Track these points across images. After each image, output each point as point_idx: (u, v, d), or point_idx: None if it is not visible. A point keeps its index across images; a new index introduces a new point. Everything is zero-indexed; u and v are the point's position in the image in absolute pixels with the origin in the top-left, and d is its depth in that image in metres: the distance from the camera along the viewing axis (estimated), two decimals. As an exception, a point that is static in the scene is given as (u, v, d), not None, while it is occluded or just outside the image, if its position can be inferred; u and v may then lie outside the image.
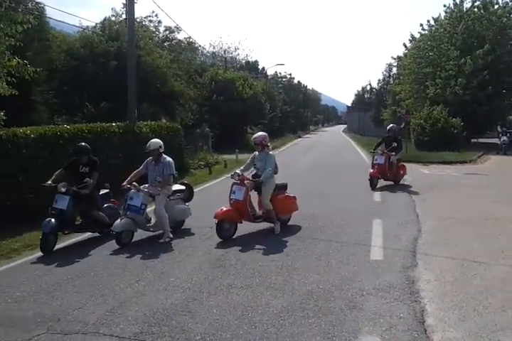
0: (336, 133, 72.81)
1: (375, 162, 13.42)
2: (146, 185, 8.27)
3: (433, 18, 33.54)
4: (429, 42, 32.23)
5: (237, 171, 8.30)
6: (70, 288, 5.90)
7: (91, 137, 12.26)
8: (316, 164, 21.29)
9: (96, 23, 24.16)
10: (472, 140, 31.32)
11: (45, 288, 5.88)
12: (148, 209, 8.25)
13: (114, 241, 7.74)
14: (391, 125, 14.66)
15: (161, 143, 8.51)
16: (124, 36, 20.36)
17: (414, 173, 17.19)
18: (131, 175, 8.33)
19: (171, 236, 8.05)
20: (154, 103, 20.43)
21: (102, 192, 8.42)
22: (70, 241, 8.30)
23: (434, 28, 33.10)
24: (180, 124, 20.79)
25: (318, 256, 6.92)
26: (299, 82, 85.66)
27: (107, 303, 5.33)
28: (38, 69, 10.72)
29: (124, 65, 16.42)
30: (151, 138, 9.25)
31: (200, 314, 4.97)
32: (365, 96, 78.52)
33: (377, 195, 12.20)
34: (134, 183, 8.06)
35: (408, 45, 35.72)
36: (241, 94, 35.48)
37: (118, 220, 7.87)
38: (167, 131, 16.95)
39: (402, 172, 14.04)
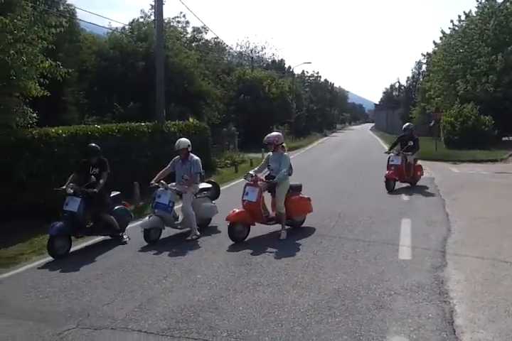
0: (363, 132, 72.07)
1: (390, 163, 12.75)
2: (174, 184, 8.35)
3: (464, 13, 32.85)
4: (459, 39, 31.57)
5: (251, 172, 8.15)
6: (100, 284, 6.03)
7: (120, 136, 12.51)
8: (343, 163, 21.14)
9: (124, 25, 24.55)
10: (504, 138, 30.55)
11: (75, 284, 6.02)
12: (175, 207, 8.35)
13: (142, 238, 7.85)
14: (407, 124, 13.94)
15: (189, 142, 8.59)
16: (152, 37, 20.63)
17: (444, 172, 16.92)
18: (159, 173, 8.42)
19: (198, 233, 8.13)
20: (182, 103, 20.61)
21: (113, 194, 8.32)
22: (97, 238, 8.47)
23: (464, 24, 32.42)
24: (207, 123, 20.94)
25: (345, 255, 6.88)
26: (325, 80, 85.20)
27: (136, 299, 5.42)
28: (70, 71, 10.95)
29: (152, 65, 16.63)
30: (179, 138, 9.35)
31: (226, 311, 5.00)
32: (394, 94, 77.48)
33: (405, 194, 12.04)
34: (162, 181, 8.15)
35: (438, 41, 35.13)
36: (267, 94, 35.50)
37: (146, 217, 8.04)
38: (194, 130, 17.12)
39: (419, 173, 13.35)
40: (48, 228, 8.30)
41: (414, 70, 61.76)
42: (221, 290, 5.61)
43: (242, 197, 7.97)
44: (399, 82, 76.55)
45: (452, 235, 7.85)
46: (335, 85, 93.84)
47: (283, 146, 8.35)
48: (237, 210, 7.80)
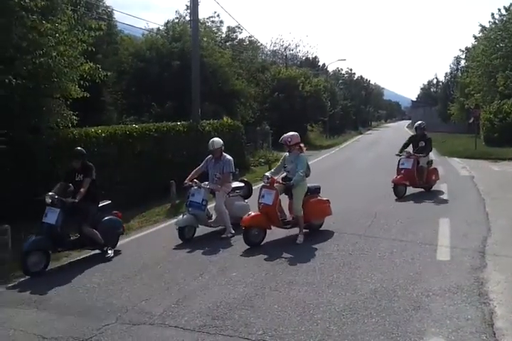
0: (399, 129, 70.71)
1: (400, 166, 11.52)
2: (207, 183, 8.45)
3: (504, 7, 31.80)
4: (499, 33, 30.58)
5: (267, 174, 7.86)
6: (138, 280, 6.17)
7: (158, 136, 12.74)
8: (379, 161, 20.84)
9: (159, 25, 24.97)
10: None
11: (114, 280, 6.19)
12: (209, 206, 8.46)
13: (177, 236, 7.97)
14: (419, 122, 12.58)
15: (222, 141, 8.68)
16: (186, 37, 20.90)
17: (484, 170, 16.47)
18: (192, 172, 8.53)
19: (233, 231, 8.18)
20: (216, 102, 20.79)
21: (102, 204, 7.56)
22: (139, 234, 8.65)
23: (505, 18, 31.37)
24: (241, 122, 21.05)
25: (381, 255, 6.79)
26: (360, 76, 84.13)
27: (173, 296, 5.52)
28: (108, 73, 11.21)
29: (187, 65, 16.84)
30: (214, 137, 9.46)
31: (261, 309, 5.04)
32: (432, 90, 75.82)
33: (444, 193, 11.78)
34: (195, 180, 8.22)
35: (478, 35, 34.14)
36: (302, 92, 35.35)
37: (181, 216, 8.12)
38: (228, 129, 17.24)
39: (434, 177, 11.98)
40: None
41: (452, 66, 60.45)
42: (256, 289, 5.65)
43: (258, 199, 7.72)
44: (437, 78, 74.78)
45: (492, 235, 7.64)
46: (370, 82, 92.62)
47: (300, 147, 7.95)
48: (252, 213, 7.61)
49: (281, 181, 7.88)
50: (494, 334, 4.31)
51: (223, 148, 8.60)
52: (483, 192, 11.64)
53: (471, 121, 25.99)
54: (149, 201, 11.34)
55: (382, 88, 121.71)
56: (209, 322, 4.78)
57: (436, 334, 4.33)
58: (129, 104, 21.78)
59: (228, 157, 8.52)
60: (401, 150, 12.01)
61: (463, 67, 50.63)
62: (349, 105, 62.24)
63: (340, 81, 72.90)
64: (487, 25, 33.00)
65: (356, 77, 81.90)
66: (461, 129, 41.58)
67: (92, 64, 10.34)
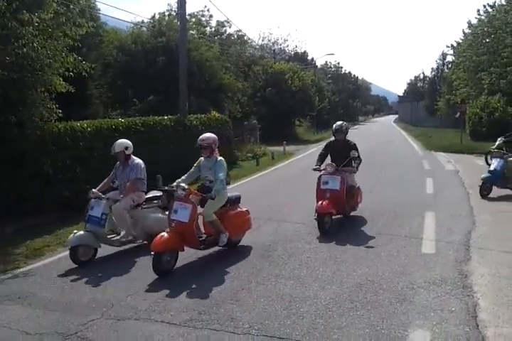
0: (386, 124, 71.19)
1: (323, 187, 8.09)
2: (111, 193, 7.20)
3: (488, 4, 32.13)
4: (485, 29, 30.85)
5: (182, 184, 6.40)
6: (124, 275, 6.13)
7: (144, 130, 12.65)
8: (366, 156, 20.93)
9: (143, 18, 24.75)
10: None
11: (99, 276, 6.14)
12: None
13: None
14: (338, 123, 8.74)
15: (128, 143, 7.27)
16: (172, 30, 20.77)
17: (469, 165, 16.64)
18: (103, 182, 7.29)
19: (130, 238, 7.03)
20: (203, 96, 20.70)
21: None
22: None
23: (491, 14, 31.65)
24: (229, 117, 20.99)
25: (367, 249, 6.84)
26: (348, 72, 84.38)
27: (158, 290, 5.50)
28: (93, 65, 11.08)
29: (172, 58, 16.74)
30: (201, 131, 9.23)
31: (248, 303, 5.04)
32: (418, 85, 76.30)
33: (429, 187, 11.88)
34: (94, 190, 6.91)
35: (467, 31, 34.43)
36: (290, 86, 35.34)
37: (72, 234, 6.72)
38: (216, 123, 17.19)
39: (359, 198, 8.86)
40: (73, 220, 8.42)
41: (438, 61, 60.86)
42: (242, 283, 5.65)
43: (169, 215, 6.37)
44: (423, 73, 75.26)
45: (477, 229, 7.74)
46: (358, 77, 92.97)
47: (217, 150, 6.83)
48: (165, 235, 6.04)
49: (198, 192, 6.55)
50: (477, 326, 4.37)
51: (130, 151, 7.23)
52: (467, 186, 11.76)
53: (457, 115, 26.19)
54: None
55: (370, 83, 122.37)
56: (195, 316, 4.77)
57: (421, 327, 4.38)
58: (115, 97, 21.58)
59: (137, 161, 7.23)
60: (319, 163, 8.48)
61: (449, 62, 51.05)
62: (337, 100, 62.37)
63: (329, 75, 72.97)
64: (474, 21, 33.27)
65: (344, 71, 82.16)
66: (447, 124, 41.95)
67: (76, 56, 10.20)
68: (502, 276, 5.59)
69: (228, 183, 7.08)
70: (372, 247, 6.90)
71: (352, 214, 8.79)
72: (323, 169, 8.29)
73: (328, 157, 8.72)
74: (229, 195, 6.85)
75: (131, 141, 12.04)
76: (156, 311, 4.94)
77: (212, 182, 6.52)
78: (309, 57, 60.84)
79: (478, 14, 32.63)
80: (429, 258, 6.28)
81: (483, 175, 10.47)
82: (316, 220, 7.70)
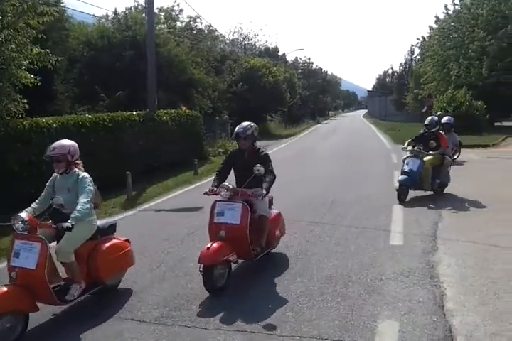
0: (356, 119, 72.03)
1: (217, 220, 5.54)
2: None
3: (456, -2, 32.81)
4: (453, 24, 31.54)
5: (21, 214, 4.52)
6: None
7: (112, 126, 12.44)
8: (335, 151, 21.15)
9: (108, 11, 24.30)
10: (496, 123, 30.67)
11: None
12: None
13: (136, 226, 7.81)
14: (243, 124, 5.87)
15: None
16: (138, 25, 20.48)
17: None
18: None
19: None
20: (172, 91, 20.49)
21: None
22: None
23: (458, 9, 32.37)
24: (200, 112, 20.84)
25: (337, 242, 6.92)
26: (318, 67, 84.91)
27: (128, 289, 5.43)
28: (60, 58, 10.81)
29: (140, 53, 16.49)
30: (171, 127, 9.01)
31: (219, 298, 5.03)
32: (387, 80, 77.47)
33: (397, 180, 12.06)
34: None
35: (434, 26, 35.09)
36: (263, 83, 35.38)
37: None
38: (186, 118, 17.05)
39: (278, 231, 6.32)
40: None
41: (407, 56, 61.90)
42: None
43: (9, 260, 4.45)
44: (392, 68, 76.57)
45: (443, 220, 7.92)
46: (328, 72, 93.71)
47: (76, 163, 5.02)
48: (4, 289, 4.24)
49: (49, 223, 4.81)
50: (444, 315, 4.47)
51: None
52: (435, 179, 11.99)
53: (424, 110, 26.69)
54: (104, 193, 11.01)
55: (340, 78, 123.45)
56: (166, 313, 4.73)
57: (390, 317, 4.45)
58: (82, 93, 21.13)
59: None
60: (215, 184, 5.83)
61: (416, 56, 52.00)
62: (308, 95, 62.74)
63: (299, 71, 73.29)
64: (442, 16, 33.97)
65: (314, 67, 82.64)
66: (415, 118, 42.69)
67: (41, 49, 9.92)
68: (467, 266, 5.73)
69: (98, 207, 5.34)
70: (342, 240, 6.98)
71: (321, 208, 8.85)
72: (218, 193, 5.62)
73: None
74: (99, 223, 5.11)
75: (98, 137, 11.87)
76: (125, 309, 4.87)
77: (62, 206, 4.63)
78: (280, 53, 61.05)
79: (446, 9, 33.34)
80: (397, 250, 6.40)
81: (400, 177, 9.48)
82: (201, 273, 5.13)
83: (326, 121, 67.33)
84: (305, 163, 16.99)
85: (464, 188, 10.75)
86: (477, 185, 11.22)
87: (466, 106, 26.83)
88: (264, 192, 5.43)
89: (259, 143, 6.10)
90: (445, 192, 10.15)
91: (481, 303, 4.70)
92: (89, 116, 12.25)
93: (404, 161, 9.76)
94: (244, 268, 5.90)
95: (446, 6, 33.42)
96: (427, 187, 9.69)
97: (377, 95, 76.98)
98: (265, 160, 5.75)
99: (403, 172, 9.50)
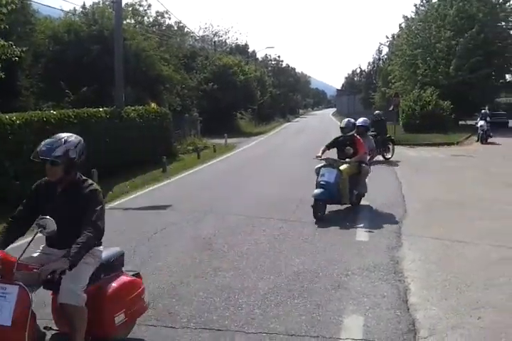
0: (325, 117, 72.69)
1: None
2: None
3: (425, -2, 33.58)
4: (420, 24, 32.20)
5: None
6: (57, 273, 5.90)
7: (78, 122, 12.20)
8: (304, 149, 21.31)
9: (75, 5, 23.81)
10: (460, 122, 31.52)
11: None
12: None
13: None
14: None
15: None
16: (106, 19, 20.15)
17: (401, 155, 17.33)
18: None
19: None
20: (141, 87, 20.23)
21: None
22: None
23: (426, 9, 33.10)
24: (169, 109, 20.65)
25: (305, 239, 6.98)
26: (288, 65, 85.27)
27: (94, 288, 5.34)
28: (24, 49, 10.51)
29: (107, 48, 16.21)
30: (139, 123, 8.88)
31: (186, 297, 5.00)
32: (355, 79, 78.49)
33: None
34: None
35: (403, 25, 35.82)
36: (234, 81, 35.34)
37: None
38: (155, 115, 16.87)
39: None
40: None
41: (375, 55, 62.86)
42: (181, 276, 5.59)
43: None
44: (360, 67, 77.51)
45: (408, 217, 8.10)
46: (298, 70, 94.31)
47: None
48: None
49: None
50: (408, 309, 4.57)
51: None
52: (400, 176, 12.28)
53: (391, 108, 27.17)
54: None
55: (309, 77, 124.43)
56: (132, 312, 4.67)
57: (355, 312, 4.52)
58: (47, 88, 20.64)
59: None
60: None
61: (384, 56, 52.90)
62: (278, 93, 62.97)
63: (269, 68, 73.44)
64: (411, 16, 34.71)
65: (284, 65, 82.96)
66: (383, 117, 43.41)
67: (4, 42, 9.64)
68: (431, 261, 5.88)
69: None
70: (310, 237, 7.05)
71: (290, 206, 8.89)
72: None
73: None
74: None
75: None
76: (91, 309, 4.79)
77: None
78: (250, 50, 61.04)
79: (416, 8, 34.05)
80: (363, 246, 6.51)
81: (315, 192, 8.03)
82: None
83: (296, 119, 67.75)
84: (274, 162, 17.07)
85: (428, 186, 11.03)
86: (441, 182, 11.53)
87: (432, 106, 27.47)
88: (67, 264, 3.17)
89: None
90: (410, 189, 10.36)
91: (443, 297, 4.83)
92: (54, 112, 11.97)
93: (317, 172, 8.39)
94: (214, 269, 5.88)
95: (416, 6, 34.16)
96: (345, 200, 8.35)
97: (345, 94, 77.89)
98: (89, 201, 3.52)
99: (318, 185, 8.16)
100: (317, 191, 8.05)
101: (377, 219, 7.93)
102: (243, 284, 5.29)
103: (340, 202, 8.39)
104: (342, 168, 8.24)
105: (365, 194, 9.06)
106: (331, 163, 8.33)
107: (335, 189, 8.09)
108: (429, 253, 6.16)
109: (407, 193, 10.07)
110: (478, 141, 22.30)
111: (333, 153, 8.95)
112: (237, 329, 4.26)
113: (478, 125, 22.46)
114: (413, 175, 12.63)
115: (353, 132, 8.86)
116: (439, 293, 4.93)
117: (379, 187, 10.86)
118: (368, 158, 9.44)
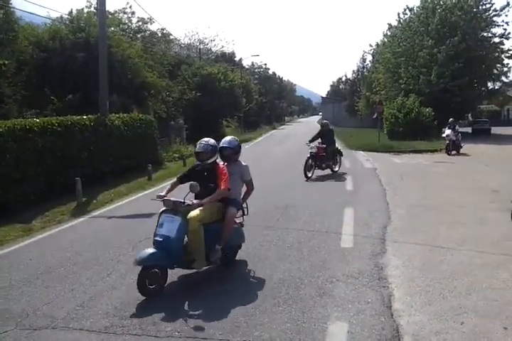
0: (311, 125, 72.86)
1: None
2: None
3: (408, 7, 34.08)
4: (403, 32, 32.68)
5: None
6: (40, 283, 5.82)
7: (61, 130, 12.10)
8: (289, 156, 21.39)
9: (62, 14, 23.69)
10: (443, 129, 31.91)
11: (14, 284, 5.79)
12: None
13: (87, 234, 7.62)
14: None
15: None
16: (91, 27, 20.06)
17: (386, 162, 17.52)
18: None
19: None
20: (125, 94, 20.14)
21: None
22: (41, 235, 8.19)
23: (408, 18, 33.61)
24: (154, 116, 20.58)
25: (290, 245, 6.99)
26: (273, 73, 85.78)
27: (77, 298, 5.28)
28: (6, 62, 10.43)
29: (92, 55, 16.12)
30: (123, 131, 8.90)
31: (170, 306, 4.96)
32: (340, 87, 79.14)
33: (349, 184, 12.36)
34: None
35: (387, 33, 36.33)
36: (219, 89, 35.37)
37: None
38: (140, 123, 16.80)
39: None
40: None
41: (359, 64, 63.52)
42: (166, 286, 5.54)
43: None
44: (345, 75, 78.29)
45: (392, 223, 8.16)
46: (283, 78, 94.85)
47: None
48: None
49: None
50: (392, 315, 4.60)
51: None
52: (384, 183, 12.38)
53: (374, 116, 27.48)
54: (53, 200, 10.74)
55: (295, 84, 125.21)
56: (116, 322, 4.63)
57: (339, 319, 4.54)
58: (31, 96, 20.43)
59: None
60: None
61: (368, 64, 53.54)
62: (264, 101, 63.24)
63: (256, 76, 73.76)
64: (395, 24, 35.23)
65: (270, 72, 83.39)
66: (367, 124, 43.88)
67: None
68: (414, 267, 5.93)
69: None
70: (294, 243, 7.06)
71: (275, 213, 8.89)
72: None
73: None
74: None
75: (46, 141, 11.54)
76: (74, 319, 4.73)
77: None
78: (237, 58, 61.27)
79: (399, 17, 34.56)
80: (347, 252, 6.54)
81: (142, 253, 5.35)
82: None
83: (282, 127, 68.00)
84: (261, 169, 17.07)
85: (412, 192, 11.14)
86: (424, 188, 11.65)
87: (415, 113, 27.82)
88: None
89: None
90: (394, 195, 10.44)
91: (427, 303, 4.87)
92: (37, 120, 11.86)
93: (158, 219, 5.61)
94: (198, 278, 5.85)
95: (398, 14, 34.68)
96: (200, 263, 5.59)
97: (331, 101, 78.48)
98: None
99: (154, 242, 5.47)
100: (145, 252, 5.32)
101: (362, 226, 7.97)
102: (228, 292, 5.28)
103: (189, 267, 5.65)
104: (193, 214, 5.48)
105: (351, 200, 8.76)
106: (173, 208, 5.53)
107: (177, 249, 5.39)
108: (412, 259, 6.21)
109: (391, 200, 10.15)
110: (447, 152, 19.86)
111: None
112: (222, 338, 4.24)
113: (445, 135, 20.21)
114: (397, 181, 12.74)
115: (215, 158, 6.05)
116: (422, 299, 4.97)
117: (363, 194, 10.97)
118: (246, 191, 6.76)
